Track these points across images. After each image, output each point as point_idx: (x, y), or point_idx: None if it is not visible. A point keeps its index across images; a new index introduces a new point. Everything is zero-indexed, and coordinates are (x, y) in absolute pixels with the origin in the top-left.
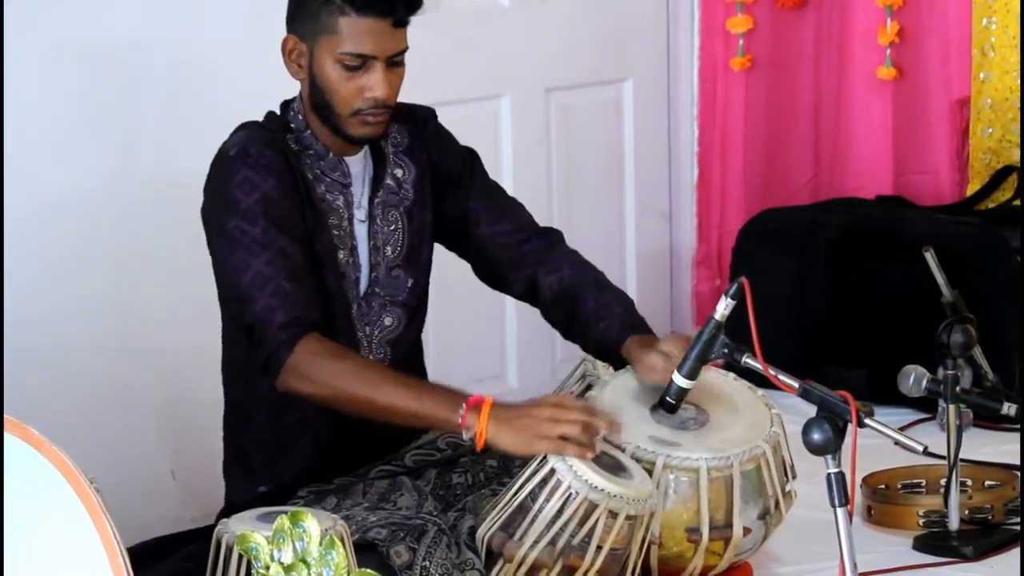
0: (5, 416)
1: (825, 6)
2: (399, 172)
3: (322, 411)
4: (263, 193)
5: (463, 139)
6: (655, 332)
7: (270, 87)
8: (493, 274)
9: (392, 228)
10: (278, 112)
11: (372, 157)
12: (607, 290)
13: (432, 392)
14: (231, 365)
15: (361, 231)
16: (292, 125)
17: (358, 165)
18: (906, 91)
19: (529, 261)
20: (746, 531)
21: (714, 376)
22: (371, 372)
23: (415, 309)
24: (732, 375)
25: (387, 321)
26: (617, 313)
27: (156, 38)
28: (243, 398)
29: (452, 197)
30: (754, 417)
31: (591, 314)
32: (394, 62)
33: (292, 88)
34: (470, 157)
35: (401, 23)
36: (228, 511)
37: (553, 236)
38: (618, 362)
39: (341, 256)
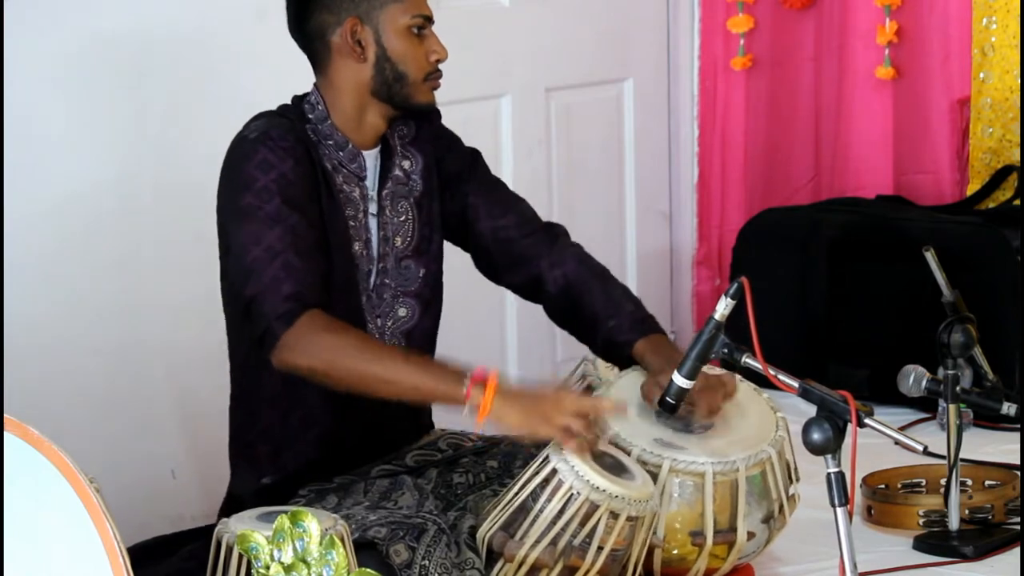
0: (5, 416)
1: (825, 6)
2: (407, 163)
3: (327, 404)
4: (281, 173)
5: (464, 139)
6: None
7: (277, 83)
8: (494, 267)
9: (402, 219)
10: (291, 104)
11: (380, 150)
12: (613, 286)
13: (436, 365)
14: (237, 359)
15: (373, 223)
16: (311, 116)
17: (371, 159)
18: (906, 91)
19: (531, 255)
20: (750, 535)
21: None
22: (372, 345)
23: (429, 299)
24: (738, 377)
25: (401, 312)
26: (627, 311)
27: (160, 34)
28: (249, 392)
29: (452, 194)
30: (760, 421)
31: (600, 311)
32: None
33: (298, 84)
34: (472, 156)
35: None
36: (229, 502)
37: (557, 230)
38: (626, 363)
39: (356, 248)
